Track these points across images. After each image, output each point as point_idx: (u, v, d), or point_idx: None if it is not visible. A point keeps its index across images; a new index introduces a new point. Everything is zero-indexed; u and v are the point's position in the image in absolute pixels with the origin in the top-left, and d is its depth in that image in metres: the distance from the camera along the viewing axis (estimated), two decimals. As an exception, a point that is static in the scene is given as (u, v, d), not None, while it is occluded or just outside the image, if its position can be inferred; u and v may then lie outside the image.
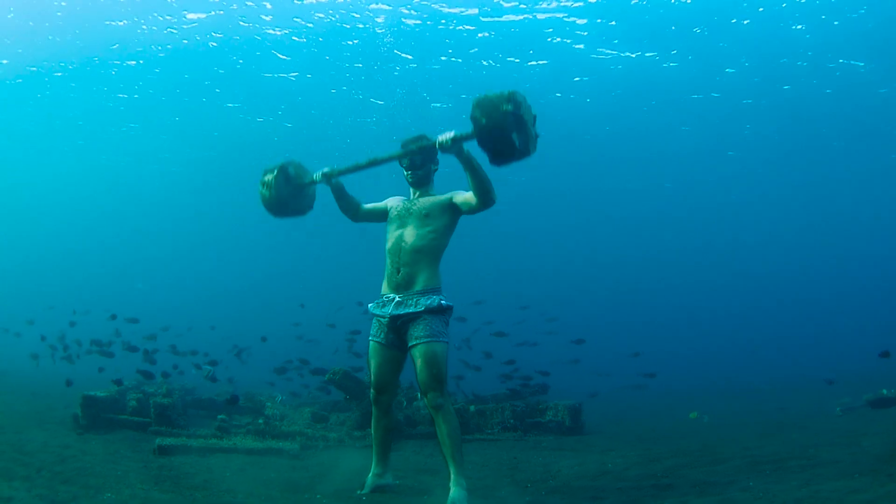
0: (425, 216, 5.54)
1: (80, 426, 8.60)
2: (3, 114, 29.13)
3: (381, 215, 5.91)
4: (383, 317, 5.51)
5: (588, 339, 16.99)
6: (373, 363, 5.65)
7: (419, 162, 5.72)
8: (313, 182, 5.93)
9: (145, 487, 5.72)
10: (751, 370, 21.08)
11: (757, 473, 6.59)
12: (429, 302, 5.34)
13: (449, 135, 5.07)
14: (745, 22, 20.56)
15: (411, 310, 5.35)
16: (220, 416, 9.72)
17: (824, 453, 7.42)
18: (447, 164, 5.83)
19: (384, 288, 5.61)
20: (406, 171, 5.78)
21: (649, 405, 15.62)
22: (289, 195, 5.95)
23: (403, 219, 5.63)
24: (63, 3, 20.93)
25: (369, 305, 5.72)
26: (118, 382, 10.32)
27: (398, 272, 5.48)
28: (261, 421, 9.36)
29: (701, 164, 31.12)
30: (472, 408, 10.34)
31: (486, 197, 5.25)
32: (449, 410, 5.29)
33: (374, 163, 5.62)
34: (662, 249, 43.51)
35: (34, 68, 25.32)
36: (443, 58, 23.15)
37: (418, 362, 5.27)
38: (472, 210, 5.40)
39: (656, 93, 24.99)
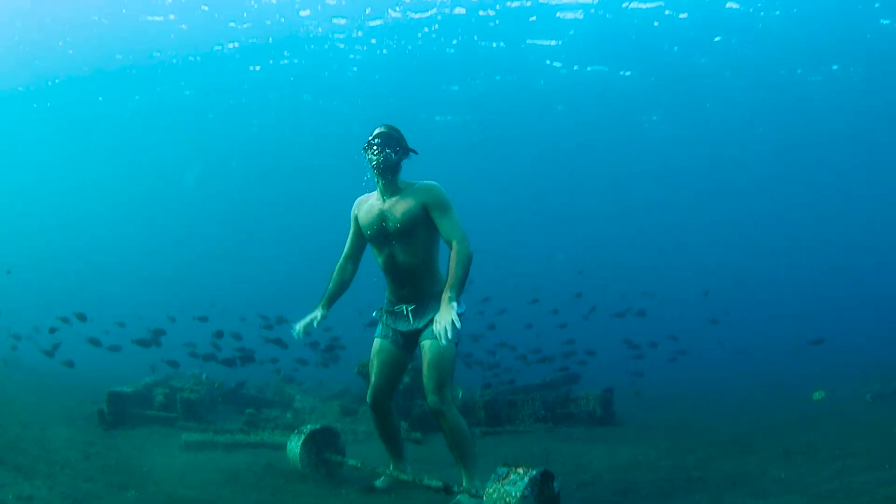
0: (408, 234, 5.07)
1: (106, 422, 8.51)
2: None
3: (363, 239, 5.47)
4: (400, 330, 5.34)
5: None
6: (376, 361, 5.39)
7: (392, 145, 5.09)
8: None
9: (170, 484, 5.62)
10: (784, 358, 20.60)
11: (789, 464, 6.45)
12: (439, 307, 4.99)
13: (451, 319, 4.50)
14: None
15: (427, 318, 5.12)
16: (248, 410, 9.62)
17: (856, 443, 7.26)
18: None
19: (392, 296, 5.35)
20: (375, 157, 5.07)
21: (682, 392, 15.32)
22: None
23: (384, 240, 5.16)
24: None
25: (373, 313, 5.55)
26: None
27: (402, 287, 5.24)
28: (289, 415, 9.28)
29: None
30: (479, 400, 10.09)
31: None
32: (451, 416, 5.01)
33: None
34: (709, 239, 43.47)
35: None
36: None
37: (424, 360, 5.04)
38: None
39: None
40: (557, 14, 21.02)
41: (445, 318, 4.43)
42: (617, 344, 16.03)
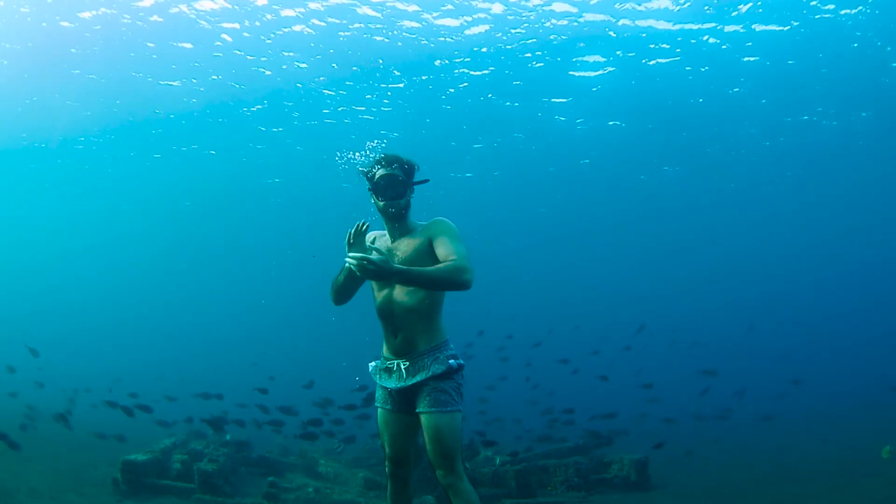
0: None
1: (120, 491, 8.18)
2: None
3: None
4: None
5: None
6: (385, 434, 4.88)
7: (400, 189, 4.66)
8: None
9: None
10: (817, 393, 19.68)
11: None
12: (436, 368, 4.54)
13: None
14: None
15: (421, 377, 4.58)
16: (269, 479, 9.24)
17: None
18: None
19: (385, 350, 4.86)
20: (382, 202, 4.68)
21: (716, 445, 14.67)
22: None
23: None
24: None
25: (370, 366, 4.98)
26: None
27: (395, 336, 4.70)
28: (311, 490, 8.84)
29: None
30: (510, 470, 9.63)
31: (460, 287, 4.33)
32: (463, 489, 4.48)
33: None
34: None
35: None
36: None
37: (426, 435, 4.54)
38: None
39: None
40: (575, 73, 21.18)
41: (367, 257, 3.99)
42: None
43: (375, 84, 21.68)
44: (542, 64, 20.25)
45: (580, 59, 20.06)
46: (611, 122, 24.63)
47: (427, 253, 4.56)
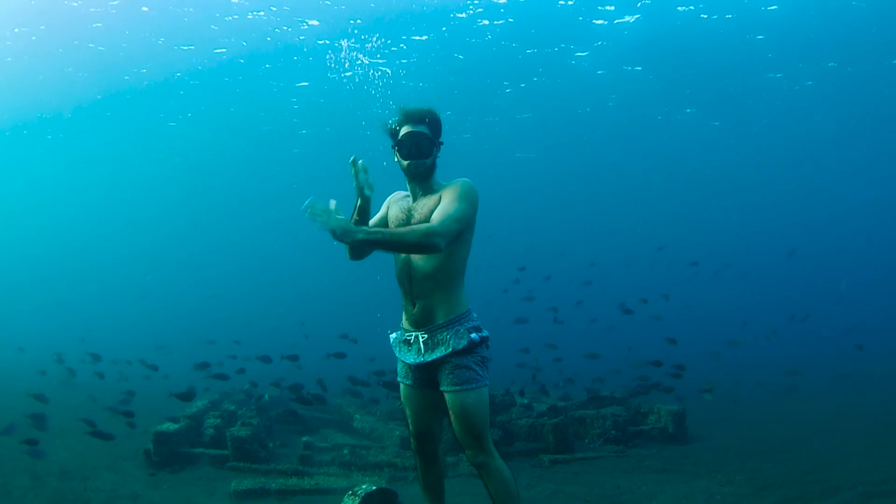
0: None
1: (153, 463, 8.08)
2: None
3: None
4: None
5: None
6: (407, 410, 4.59)
7: (427, 148, 4.30)
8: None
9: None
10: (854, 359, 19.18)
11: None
12: (457, 342, 4.18)
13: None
14: None
15: (440, 353, 4.22)
16: (304, 439, 9.14)
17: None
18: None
19: (403, 321, 4.49)
20: (406, 161, 4.32)
21: (751, 399, 14.41)
22: None
23: None
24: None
25: (391, 337, 4.64)
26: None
27: (413, 305, 4.34)
28: (346, 451, 8.70)
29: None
30: (548, 423, 9.45)
31: (431, 251, 4.01)
32: (494, 467, 4.20)
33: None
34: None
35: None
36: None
37: (451, 413, 4.22)
38: None
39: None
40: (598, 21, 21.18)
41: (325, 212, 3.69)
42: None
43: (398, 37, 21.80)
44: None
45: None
46: (635, 68, 24.60)
47: None
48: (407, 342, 4.42)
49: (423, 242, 3.89)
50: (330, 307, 33.87)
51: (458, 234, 4.08)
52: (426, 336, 4.28)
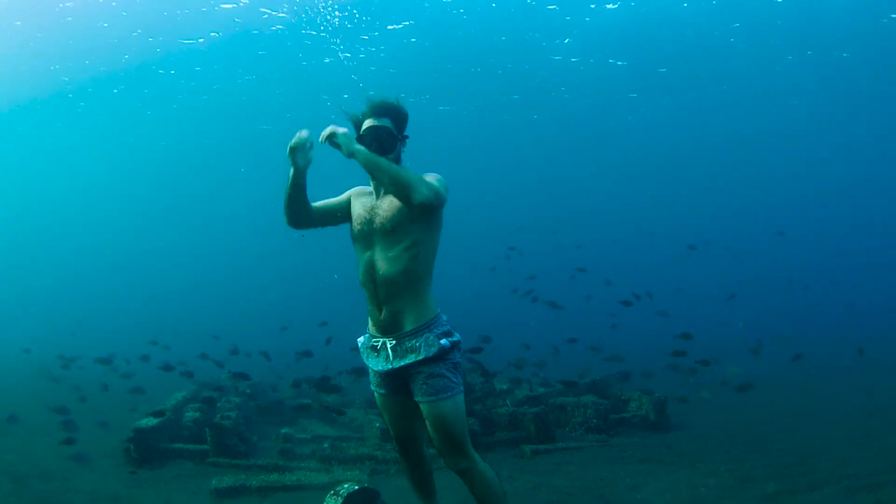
0: (391, 231, 4.07)
1: (133, 460, 8.04)
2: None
3: (342, 214, 4.41)
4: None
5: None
6: (385, 417, 4.45)
7: (388, 143, 4.15)
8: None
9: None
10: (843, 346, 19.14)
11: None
12: (427, 350, 4.01)
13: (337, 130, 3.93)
14: None
15: (410, 360, 4.06)
16: (283, 431, 9.14)
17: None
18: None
19: (370, 326, 4.31)
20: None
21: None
22: None
23: (368, 237, 4.17)
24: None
25: (358, 342, 4.43)
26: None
27: (380, 310, 4.14)
28: (326, 445, 8.71)
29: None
30: (529, 412, 9.44)
31: (406, 198, 3.91)
32: (478, 471, 4.11)
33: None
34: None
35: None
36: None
37: (427, 425, 4.10)
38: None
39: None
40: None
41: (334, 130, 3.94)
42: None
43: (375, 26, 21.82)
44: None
45: None
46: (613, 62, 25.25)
47: (410, 214, 4.03)
48: (374, 348, 4.25)
49: (413, 184, 3.83)
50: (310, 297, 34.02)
51: (437, 205, 3.98)
52: (394, 342, 4.12)
